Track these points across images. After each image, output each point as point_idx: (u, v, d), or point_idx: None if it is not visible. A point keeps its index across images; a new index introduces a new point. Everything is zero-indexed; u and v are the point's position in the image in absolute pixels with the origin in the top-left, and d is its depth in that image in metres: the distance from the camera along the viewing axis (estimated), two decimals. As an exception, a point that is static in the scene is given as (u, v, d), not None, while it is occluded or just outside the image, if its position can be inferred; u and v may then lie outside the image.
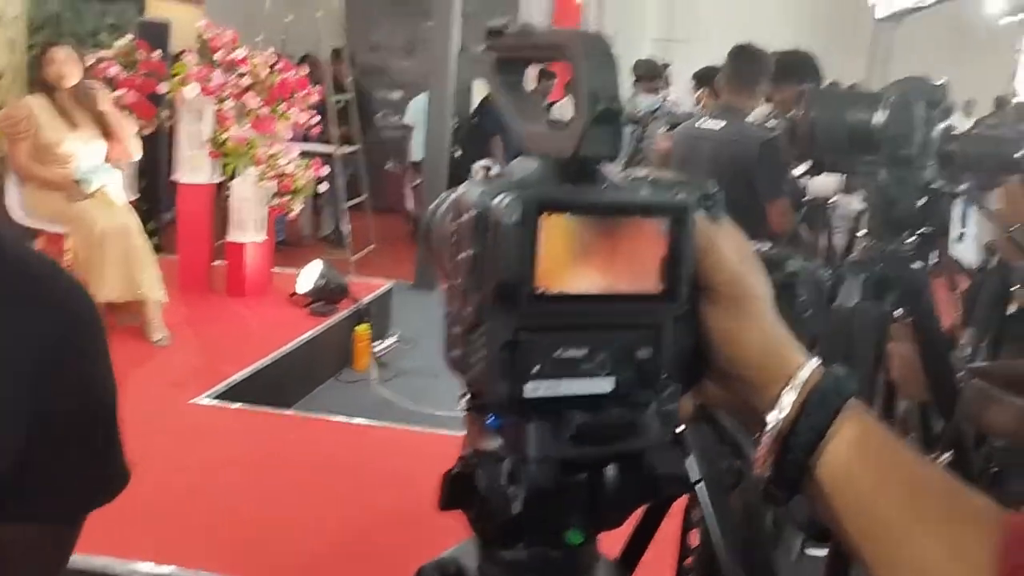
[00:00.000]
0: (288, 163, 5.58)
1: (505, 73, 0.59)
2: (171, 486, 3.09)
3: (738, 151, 3.56)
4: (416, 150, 8.12)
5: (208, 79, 5.38)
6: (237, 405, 4.18)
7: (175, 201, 5.88)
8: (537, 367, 0.52)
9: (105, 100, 4.92)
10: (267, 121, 5.55)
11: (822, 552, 1.52)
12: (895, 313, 1.65)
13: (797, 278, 0.77)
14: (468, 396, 0.56)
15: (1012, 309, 2.21)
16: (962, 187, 1.76)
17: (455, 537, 0.58)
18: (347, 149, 7.57)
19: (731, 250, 0.58)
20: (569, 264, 0.51)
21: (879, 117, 1.52)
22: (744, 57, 3.78)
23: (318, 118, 6.18)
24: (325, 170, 5.99)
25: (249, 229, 5.66)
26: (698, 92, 5.99)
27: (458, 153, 7.47)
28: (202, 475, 3.45)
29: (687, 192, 0.57)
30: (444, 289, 0.56)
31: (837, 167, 1.90)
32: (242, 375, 4.42)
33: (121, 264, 4.58)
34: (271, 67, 5.66)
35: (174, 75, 5.48)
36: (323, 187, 6.14)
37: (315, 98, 6.04)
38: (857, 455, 0.57)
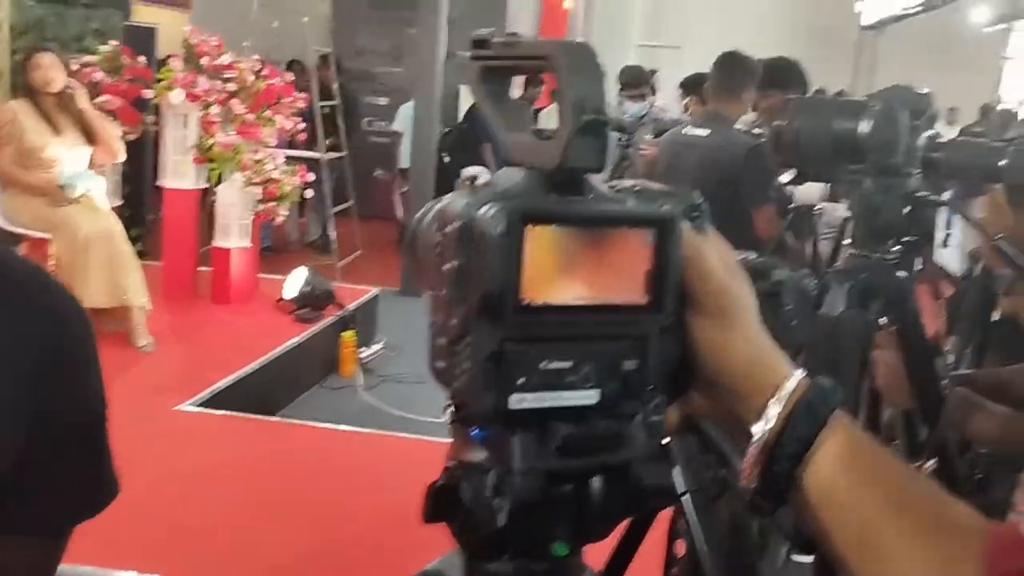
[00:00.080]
0: (274, 169, 5.56)
1: (490, 83, 0.59)
2: (155, 494, 3.07)
3: (724, 158, 3.56)
4: (405, 157, 8.11)
5: (194, 85, 5.36)
6: (222, 412, 4.15)
7: (159, 205, 5.85)
8: (522, 379, 0.52)
9: (83, 98, 4.88)
10: (253, 127, 5.54)
11: (808, 559, 1.52)
12: (880, 321, 1.66)
13: (783, 287, 0.77)
14: (453, 408, 0.56)
15: (996, 316, 2.22)
16: (946, 195, 1.77)
17: (441, 544, 0.58)
18: (333, 155, 7.55)
19: (717, 261, 0.58)
20: (554, 275, 0.51)
21: (864, 126, 1.53)
22: (730, 64, 3.80)
23: (304, 124, 6.16)
24: (311, 176, 5.98)
25: (234, 235, 5.63)
26: (686, 100, 6.00)
27: (447, 159, 7.45)
28: (187, 483, 3.43)
29: (673, 203, 0.57)
30: (429, 299, 0.55)
31: (822, 176, 1.91)
32: (227, 382, 4.39)
33: (105, 270, 4.56)
34: (257, 73, 5.65)
35: (159, 80, 5.46)
36: (309, 193, 6.12)
37: (301, 104, 6.03)
38: (843, 466, 0.57)
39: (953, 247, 7.07)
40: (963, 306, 2.23)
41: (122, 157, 5.24)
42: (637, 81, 6.60)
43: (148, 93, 5.60)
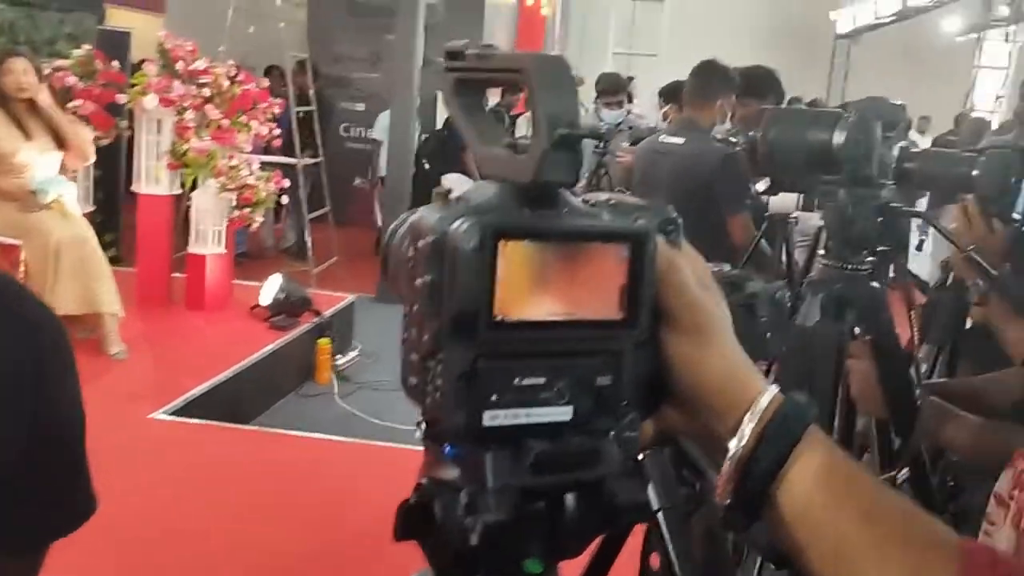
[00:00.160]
0: (249, 175, 5.52)
1: (464, 95, 0.59)
2: (128, 503, 3.03)
3: (699, 166, 3.58)
4: (385, 165, 8.09)
5: (168, 90, 5.32)
6: (196, 421, 4.12)
7: (133, 211, 5.79)
8: (495, 395, 0.51)
9: (46, 98, 4.80)
10: (228, 132, 5.50)
11: (782, 573, 1.52)
12: (854, 331, 1.67)
13: (757, 299, 0.77)
14: (425, 424, 0.55)
15: (968, 325, 2.24)
16: (922, 202, 1.78)
17: (416, 555, 0.57)
18: (309, 161, 7.52)
19: (691, 275, 0.57)
20: (528, 291, 0.51)
21: (838, 137, 1.53)
22: (706, 73, 3.81)
23: (280, 130, 6.13)
24: (287, 182, 5.95)
25: (209, 241, 5.59)
26: (665, 108, 6.02)
27: (427, 166, 7.43)
28: (159, 492, 3.39)
29: (647, 217, 0.57)
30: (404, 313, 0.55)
31: (796, 186, 1.92)
32: (201, 390, 4.35)
33: (77, 276, 4.51)
34: (232, 78, 5.61)
35: (133, 85, 5.41)
36: (285, 199, 6.09)
37: (277, 109, 6.00)
38: (817, 482, 0.56)
39: (927, 254, 7.14)
40: (936, 315, 2.25)
41: (92, 159, 5.18)
42: (614, 89, 6.63)
43: (122, 98, 5.55)
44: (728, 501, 0.58)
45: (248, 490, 3.52)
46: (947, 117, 11.47)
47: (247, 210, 5.57)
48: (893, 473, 1.63)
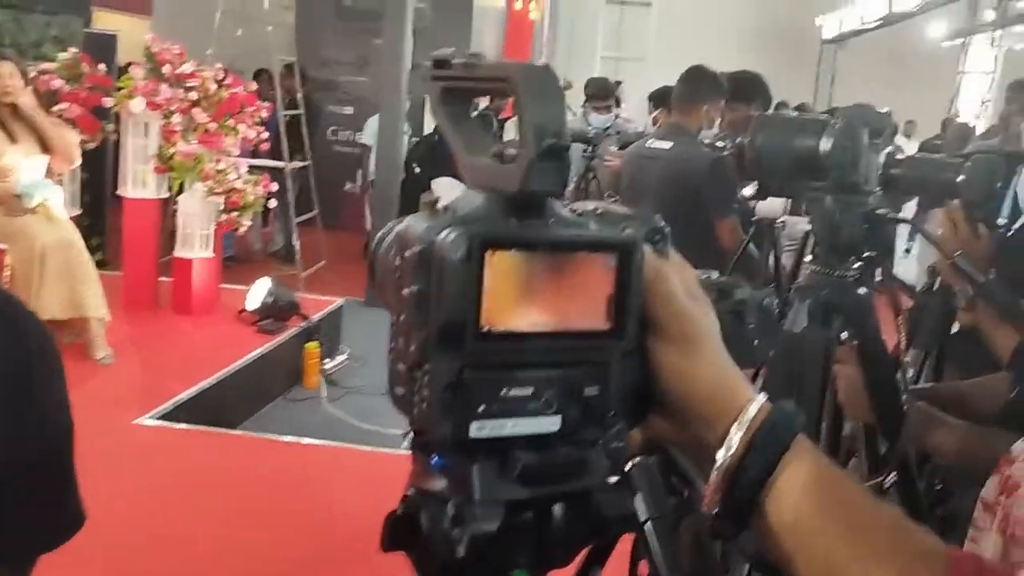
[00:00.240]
0: (237, 178, 5.51)
1: (451, 104, 0.58)
2: (114, 509, 3.01)
3: (687, 170, 3.59)
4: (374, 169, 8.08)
5: (155, 93, 5.30)
6: (183, 426, 4.09)
7: (119, 214, 5.77)
8: (482, 406, 0.51)
9: (26, 95, 4.76)
10: (215, 136, 5.48)
11: None
12: (841, 336, 1.67)
13: (746, 306, 0.77)
14: (412, 434, 0.55)
15: (955, 329, 2.25)
16: (910, 206, 1.79)
17: (403, 562, 0.57)
18: (297, 164, 7.51)
19: (678, 285, 0.57)
20: (515, 301, 0.50)
21: (825, 144, 1.54)
22: (694, 78, 3.83)
23: (268, 133, 6.12)
24: (275, 186, 5.93)
25: (196, 245, 5.57)
26: (655, 112, 6.04)
27: (417, 170, 7.41)
28: (146, 498, 3.37)
29: (635, 226, 0.57)
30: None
31: (784, 192, 1.93)
32: (188, 394, 4.33)
33: (62, 280, 4.48)
34: (219, 82, 5.60)
35: (120, 89, 5.39)
36: (272, 203, 6.08)
37: (264, 113, 5.99)
38: (805, 491, 0.56)
39: (913, 257, 7.17)
40: (922, 320, 2.25)
41: (77, 162, 5.15)
42: (604, 93, 6.64)
43: (108, 101, 5.52)
44: (716, 510, 0.58)
45: (235, 495, 3.50)
46: (932, 121, 11.54)
47: (235, 214, 5.55)
48: (881, 478, 1.63)
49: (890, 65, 14.20)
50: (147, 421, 4.05)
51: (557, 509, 0.54)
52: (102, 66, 5.86)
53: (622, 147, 5.13)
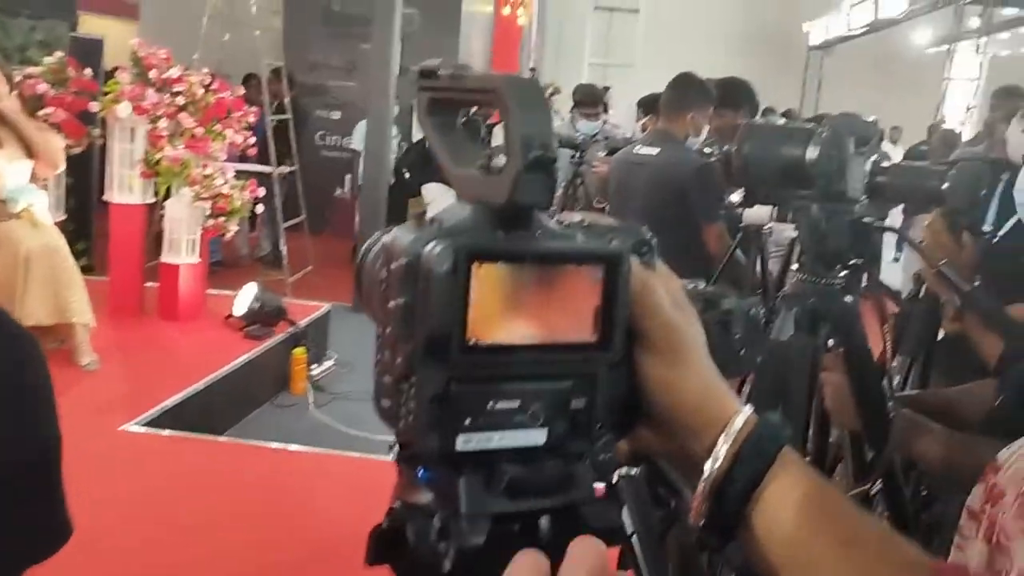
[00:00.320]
0: (224, 183, 5.49)
1: (437, 115, 0.58)
2: (100, 515, 3.00)
3: (674, 176, 3.60)
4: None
5: (142, 98, 5.29)
6: (169, 432, 4.07)
7: (105, 220, 5.74)
8: (469, 419, 0.51)
9: (9, 99, 4.73)
10: (202, 141, 5.47)
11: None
12: (828, 344, 1.68)
13: (732, 315, 0.77)
14: (398, 447, 0.54)
15: (940, 336, 2.26)
16: (896, 212, 1.80)
17: (389, 572, 0.56)
18: (285, 169, 7.49)
19: (665, 296, 0.57)
20: (502, 314, 0.50)
21: (811, 152, 1.55)
22: (680, 85, 3.84)
23: (254, 138, 6.10)
24: (262, 191, 5.92)
25: (183, 250, 5.55)
26: (644, 119, 6.06)
27: (407, 175, 7.41)
28: (132, 505, 3.35)
29: (622, 238, 0.57)
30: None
31: (770, 199, 1.93)
32: (174, 400, 4.31)
33: (47, 286, 4.45)
34: (207, 86, 5.58)
35: (106, 93, 5.37)
36: (259, 208, 6.06)
37: (252, 118, 5.97)
38: (791, 503, 0.56)
39: (900, 265, 7.21)
40: (908, 326, 2.26)
41: (62, 167, 5.13)
42: (592, 100, 6.66)
43: (94, 106, 5.50)
44: (703, 521, 0.58)
45: (222, 502, 3.48)
46: (918, 127, 11.62)
47: (221, 219, 5.53)
48: (867, 485, 1.63)
49: (876, 71, 14.30)
50: (133, 428, 4.03)
51: (544, 522, 0.54)
52: (88, 70, 5.83)
53: (610, 153, 5.14)
